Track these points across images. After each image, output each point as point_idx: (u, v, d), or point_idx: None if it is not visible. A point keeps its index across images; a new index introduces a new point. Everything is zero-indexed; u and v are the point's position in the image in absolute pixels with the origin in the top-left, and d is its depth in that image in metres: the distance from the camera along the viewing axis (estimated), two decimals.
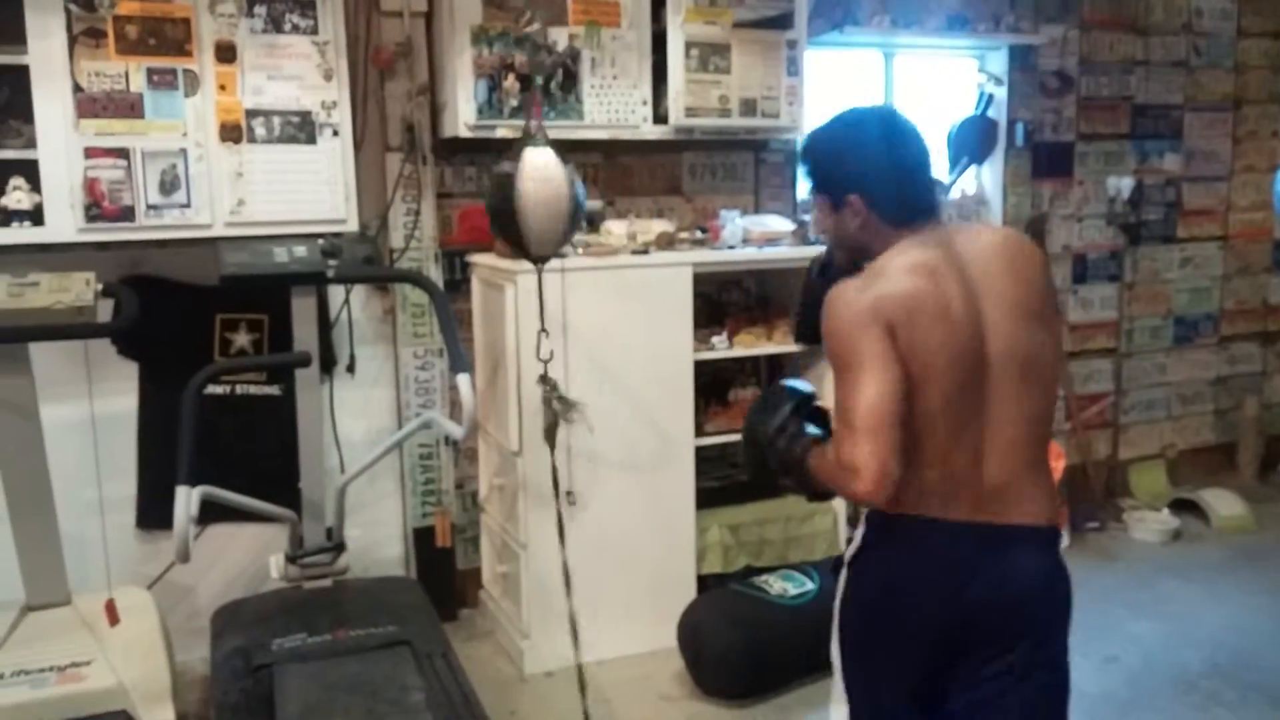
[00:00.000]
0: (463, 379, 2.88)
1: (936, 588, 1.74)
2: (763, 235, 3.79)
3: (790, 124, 3.86)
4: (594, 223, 3.64)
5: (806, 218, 3.91)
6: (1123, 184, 4.83)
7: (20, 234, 2.96)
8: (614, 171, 3.94)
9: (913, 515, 1.73)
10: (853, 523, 2.67)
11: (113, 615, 2.71)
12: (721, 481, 3.88)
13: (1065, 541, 4.46)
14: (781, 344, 3.72)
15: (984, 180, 4.75)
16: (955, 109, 4.65)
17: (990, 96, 4.65)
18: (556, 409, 2.95)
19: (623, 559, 3.44)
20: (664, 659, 3.36)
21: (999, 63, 4.61)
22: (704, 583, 3.57)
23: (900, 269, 1.71)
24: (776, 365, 4.00)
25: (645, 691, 3.26)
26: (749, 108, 3.77)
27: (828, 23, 4.12)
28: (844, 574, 1.88)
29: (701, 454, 3.63)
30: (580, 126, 3.57)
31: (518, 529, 3.37)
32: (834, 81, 4.38)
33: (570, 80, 3.55)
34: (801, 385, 1.99)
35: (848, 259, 1.88)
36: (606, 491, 3.39)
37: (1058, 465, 4.44)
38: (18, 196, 2.94)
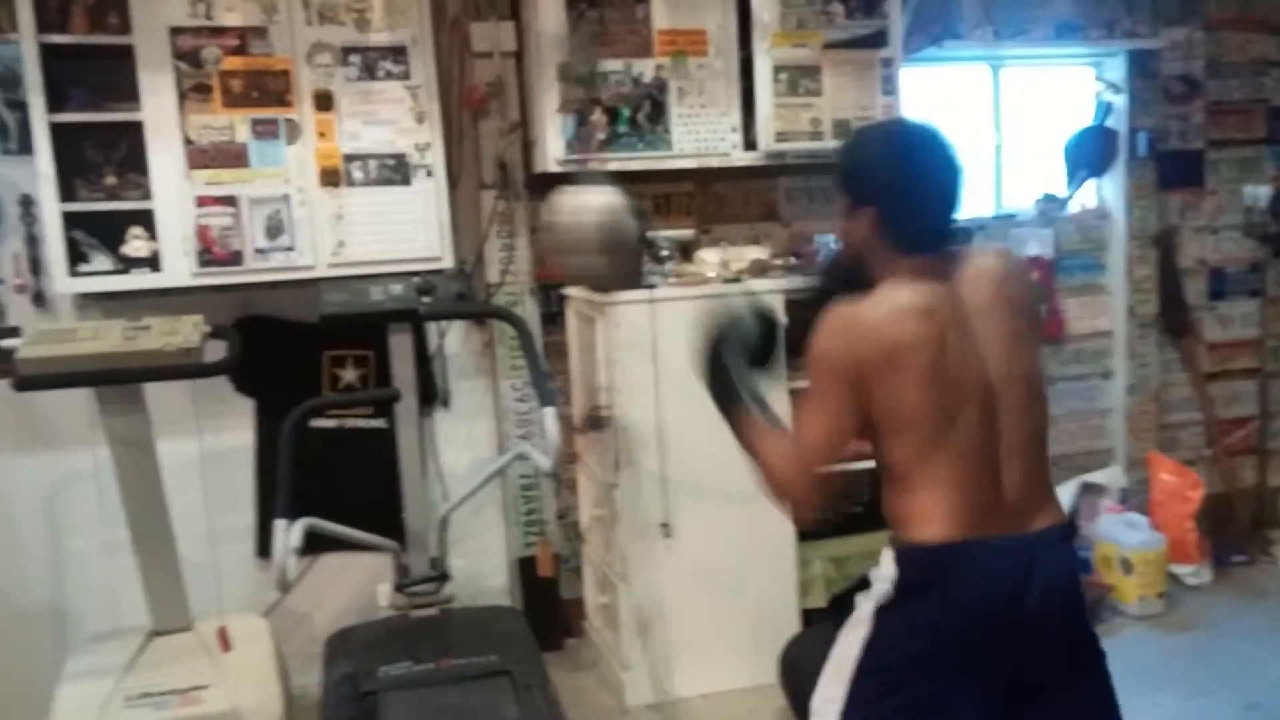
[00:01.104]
0: (547, 412, 3.10)
1: (992, 610, 1.81)
2: None
3: None
4: (686, 251, 3.83)
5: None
6: (1260, 192, 4.75)
7: (140, 280, 3.32)
8: (707, 200, 4.14)
9: (947, 542, 1.81)
10: None
11: (225, 642, 3.00)
12: (825, 514, 3.97)
13: (1208, 577, 4.40)
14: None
15: (1105, 194, 4.76)
16: (1071, 120, 4.67)
17: (1109, 105, 4.66)
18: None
19: (722, 591, 3.57)
20: (767, 694, 3.45)
21: (1117, 70, 4.62)
22: (809, 617, 3.68)
23: (894, 314, 1.81)
24: None
25: None
26: (842, 129, 3.88)
27: (926, 38, 4.23)
28: (867, 624, 1.87)
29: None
30: (669, 157, 3.77)
31: (616, 561, 3.56)
32: (937, 98, 4.50)
33: (658, 111, 3.77)
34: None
35: (851, 261, 1.99)
36: (703, 522, 3.54)
37: (1194, 495, 4.39)
38: (137, 245, 3.31)
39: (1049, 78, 4.73)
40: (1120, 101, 4.64)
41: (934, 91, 4.49)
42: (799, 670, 3.37)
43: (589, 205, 2.94)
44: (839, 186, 1.97)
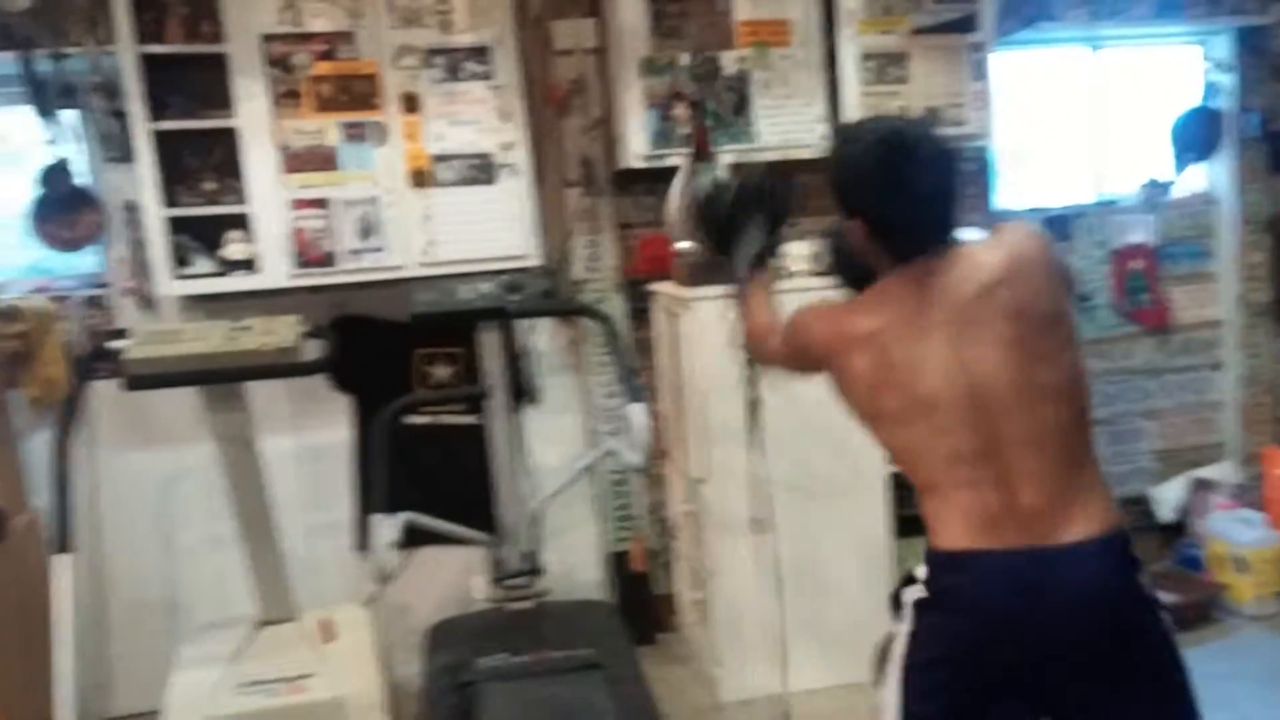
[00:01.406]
0: (634, 409, 3.17)
1: (999, 624, 1.77)
2: None
3: (979, 130, 3.95)
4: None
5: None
6: None
7: (240, 282, 3.48)
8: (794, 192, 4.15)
9: (955, 550, 1.81)
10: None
11: (327, 632, 3.14)
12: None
13: None
14: None
15: (1213, 178, 4.66)
16: (1176, 102, 4.57)
17: (1216, 85, 4.55)
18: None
19: (815, 588, 3.60)
20: (861, 693, 3.47)
21: (1224, 48, 4.51)
22: None
23: (852, 333, 1.91)
24: None
25: None
26: (932, 117, 3.90)
27: (1019, 21, 4.17)
28: (910, 622, 1.90)
29: (901, 480, 3.72)
30: (752, 149, 3.81)
31: (706, 556, 3.61)
32: (1031, 83, 4.46)
33: (741, 103, 3.81)
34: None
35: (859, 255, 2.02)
36: (795, 518, 3.55)
37: None
38: (235, 248, 3.47)
39: (1151, 58, 4.63)
40: (1228, 81, 4.53)
41: (1028, 76, 4.44)
42: None
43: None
44: (831, 191, 1.98)
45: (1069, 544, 1.76)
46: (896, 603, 1.98)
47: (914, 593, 1.90)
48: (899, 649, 1.91)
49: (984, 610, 1.78)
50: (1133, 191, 4.56)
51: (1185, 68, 4.64)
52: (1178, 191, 4.60)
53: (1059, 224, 4.44)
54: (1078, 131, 4.57)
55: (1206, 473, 4.46)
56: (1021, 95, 4.42)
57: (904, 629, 1.91)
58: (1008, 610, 1.76)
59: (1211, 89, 4.56)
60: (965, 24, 3.88)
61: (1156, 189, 4.57)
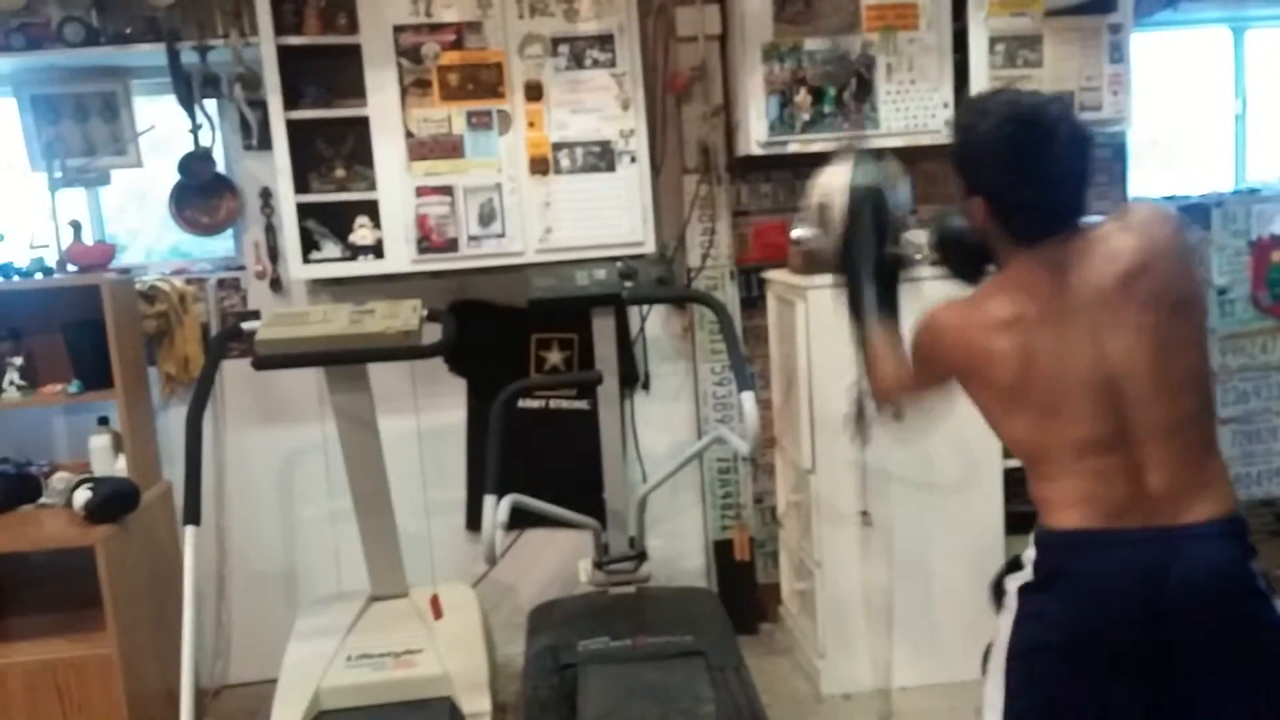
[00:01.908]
0: (746, 397, 3.06)
1: (1119, 605, 1.70)
2: None
3: (1115, 115, 3.70)
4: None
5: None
6: None
7: (366, 266, 3.51)
8: (917, 179, 3.95)
9: (1073, 529, 1.73)
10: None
11: (437, 609, 3.15)
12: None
13: None
14: None
15: None
16: None
17: None
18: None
19: (924, 583, 3.46)
20: (971, 690, 3.29)
21: None
22: None
23: (981, 325, 1.77)
24: None
25: None
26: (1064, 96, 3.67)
27: (1159, 1, 3.90)
28: (1014, 608, 1.82)
29: (1015, 476, 3.55)
30: (876, 136, 3.64)
31: (812, 547, 3.50)
32: (1171, 65, 4.15)
33: (864, 88, 3.64)
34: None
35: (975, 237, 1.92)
36: (904, 512, 3.43)
37: None
38: (363, 234, 3.50)
39: None
40: None
41: (1168, 58, 4.13)
42: None
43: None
44: (953, 165, 1.85)
45: (1190, 524, 1.70)
46: (998, 591, 1.91)
47: (1020, 578, 1.82)
48: (1002, 638, 1.83)
49: (1103, 589, 1.70)
50: (1276, 179, 4.21)
51: None
52: None
53: (1197, 213, 4.13)
54: (1219, 116, 4.23)
55: None
56: (1161, 79, 4.12)
57: (1008, 617, 1.83)
58: (1128, 589, 1.68)
59: None
60: (1103, 4, 3.63)
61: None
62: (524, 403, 3.77)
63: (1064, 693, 1.74)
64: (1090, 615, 1.71)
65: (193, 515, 2.87)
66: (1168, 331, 1.72)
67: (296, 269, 3.50)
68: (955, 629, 3.45)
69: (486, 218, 3.56)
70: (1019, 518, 3.58)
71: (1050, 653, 1.75)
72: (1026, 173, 1.73)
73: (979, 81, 3.60)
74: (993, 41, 3.60)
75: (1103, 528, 1.70)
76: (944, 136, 3.66)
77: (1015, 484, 3.58)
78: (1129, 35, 3.67)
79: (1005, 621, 1.84)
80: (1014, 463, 3.48)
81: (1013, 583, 1.83)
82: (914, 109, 3.67)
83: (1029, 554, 1.82)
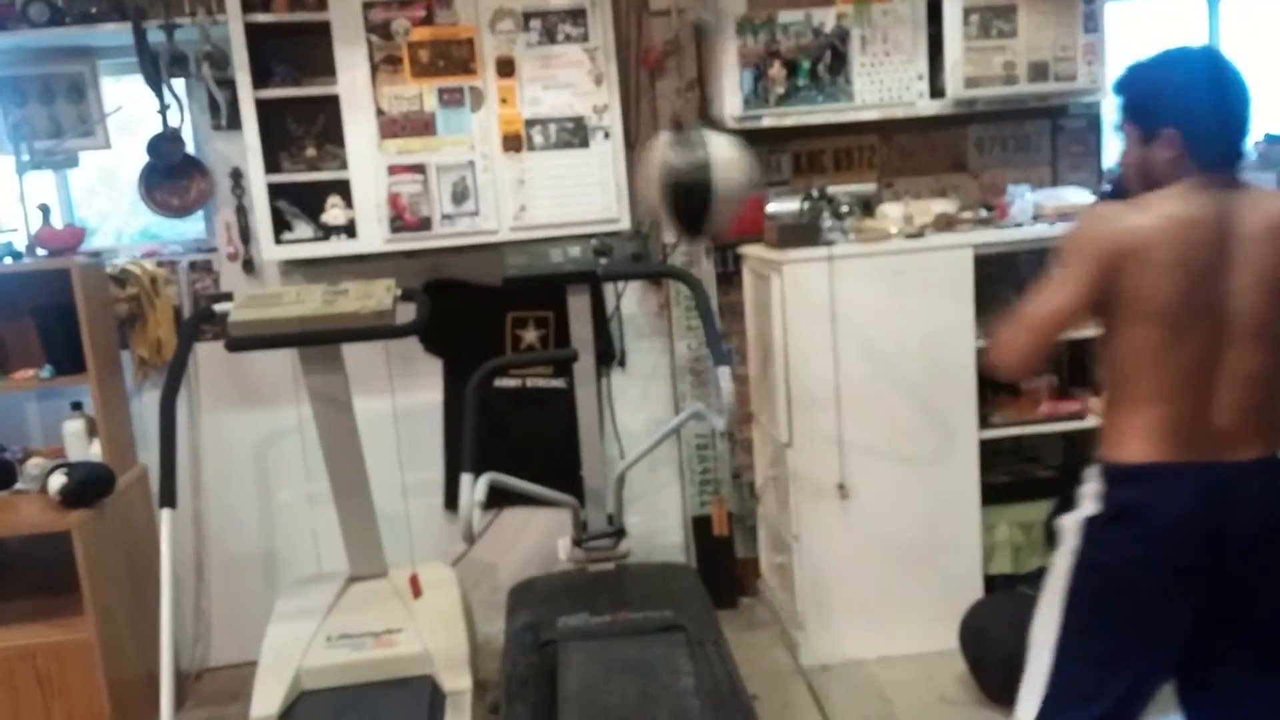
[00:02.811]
0: (722, 372, 2.96)
1: (1182, 535, 1.81)
2: (1056, 210, 3.54)
3: (1090, 85, 3.61)
4: (868, 207, 3.62)
5: (1109, 187, 3.64)
6: None
7: (338, 246, 3.39)
8: (891, 152, 3.87)
9: (1140, 463, 1.85)
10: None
11: (416, 589, 3.05)
12: (1013, 477, 3.71)
13: None
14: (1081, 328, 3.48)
15: None
16: None
17: None
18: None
19: (901, 555, 3.38)
20: (948, 660, 3.27)
21: None
22: (993, 583, 3.44)
23: (1158, 216, 1.83)
24: (1076, 350, 3.76)
25: (925, 693, 3.19)
26: (1039, 72, 3.56)
27: None
28: (1074, 535, 1.90)
29: (990, 447, 3.49)
30: (850, 109, 3.55)
31: (790, 521, 3.42)
32: (1146, 34, 4.03)
33: (839, 61, 3.53)
34: None
35: (1142, 191, 1.94)
36: (881, 485, 3.35)
37: None
38: (335, 213, 3.38)
39: (1275, 7, 4.14)
40: None
41: (1143, 27, 4.02)
42: (981, 637, 3.18)
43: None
44: (1128, 118, 1.96)
45: (1250, 460, 1.83)
46: (1050, 532, 1.99)
47: (1081, 514, 1.90)
48: (1061, 573, 1.91)
49: (1172, 518, 1.81)
50: (1250, 148, 4.10)
51: None
52: None
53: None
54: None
55: None
56: (1136, 49, 3.99)
57: (1067, 552, 1.91)
58: (1194, 517, 1.80)
59: None
60: None
61: (1276, 145, 4.09)
62: (501, 381, 3.66)
63: (1126, 618, 1.84)
64: (1160, 542, 1.82)
65: (168, 498, 2.75)
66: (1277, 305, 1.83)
67: (268, 250, 3.38)
68: (931, 600, 3.39)
69: (460, 196, 3.43)
70: (994, 489, 3.52)
71: (1119, 579, 1.85)
72: (1217, 103, 1.86)
73: (954, 52, 3.50)
74: (967, 12, 3.50)
75: (1171, 460, 1.82)
76: (919, 109, 3.57)
77: (990, 455, 3.52)
78: (1103, 5, 3.58)
79: (1065, 557, 1.91)
80: (990, 434, 3.46)
81: (1071, 520, 1.91)
82: (889, 81, 3.57)
83: (1091, 488, 1.90)
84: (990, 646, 3.12)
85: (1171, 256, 1.80)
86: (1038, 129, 3.93)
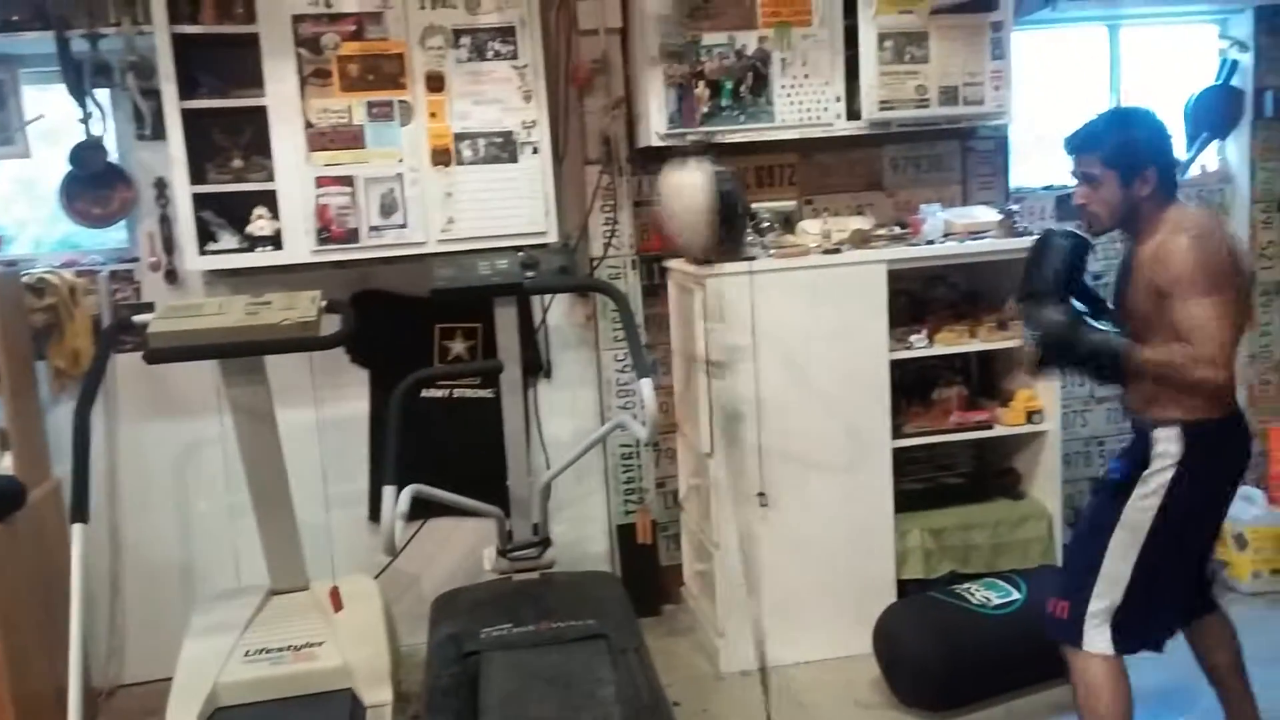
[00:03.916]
0: (644, 384, 2.87)
1: (1245, 448, 2.37)
2: (966, 228, 3.52)
3: (997, 110, 3.58)
4: (788, 223, 3.56)
5: (1015, 207, 3.62)
6: None
7: (264, 257, 3.22)
8: (810, 170, 3.81)
9: (1220, 418, 2.28)
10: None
11: (337, 602, 2.90)
12: (925, 484, 3.66)
13: None
14: (989, 340, 3.45)
15: (1229, 156, 4.21)
16: (1193, 80, 4.13)
17: (1234, 64, 4.11)
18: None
19: (818, 561, 3.31)
20: (863, 664, 3.20)
21: (1243, 26, 4.07)
22: (905, 588, 3.38)
23: (1217, 227, 2.27)
24: (986, 362, 3.73)
25: (841, 697, 3.12)
26: (949, 96, 3.52)
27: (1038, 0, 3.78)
28: (1162, 482, 2.27)
29: (904, 455, 3.44)
30: (771, 128, 3.48)
31: (712, 529, 3.32)
32: (1051, 61, 4.03)
33: (760, 82, 3.46)
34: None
35: (1112, 226, 2.36)
36: (800, 493, 3.28)
37: None
38: (261, 224, 3.20)
39: (1170, 36, 4.18)
40: (1246, 60, 4.09)
41: (1047, 55, 4.01)
42: (893, 641, 3.11)
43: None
44: (1113, 163, 2.28)
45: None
46: (1120, 489, 2.34)
47: (1165, 468, 2.28)
48: (1142, 510, 2.30)
49: (1241, 452, 2.36)
50: None
51: (1203, 46, 4.19)
52: (1194, 170, 4.16)
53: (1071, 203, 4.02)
54: (1096, 110, 4.11)
55: None
56: (1040, 75, 4.00)
57: (1149, 503, 2.29)
58: (1247, 441, 2.35)
59: (1229, 68, 4.11)
60: (985, 3, 3.50)
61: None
62: (428, 392, 3.51)
63: (1201, 529, 2.40)
64: (1233, 466, 2.35)
65: (80, 513, 2.58)
66: None
67: (192, 260, 3.20)
68: (847, 605, 3.32)
69: (388, 208, 3.29)
70: (907, 496, 3.47)
71: (1206, 507, 2.36)
72: (1171, 143, 2.35)
73: (869, 76, 3.45)
74: (881, 38, 3.45)
75: (1233, 414, 2.32)
76: (836, 129, 3.51)
77: (904, 464, 3.46)
78: (1010, 33, 3.55)
79: (1146, 505, 2.29)
80: (903, 443, 3.40)
81: (1154, 473, 2.29)
82: (808, 103, 3.51)
83: (1167, 449, 2.27)
84: (900, 650, 3.06)
85: (1238, 261, 2.22)
86: (949, 150, 3.91)
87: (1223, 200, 4.20)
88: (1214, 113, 4.10)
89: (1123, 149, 2.28)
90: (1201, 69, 4.16)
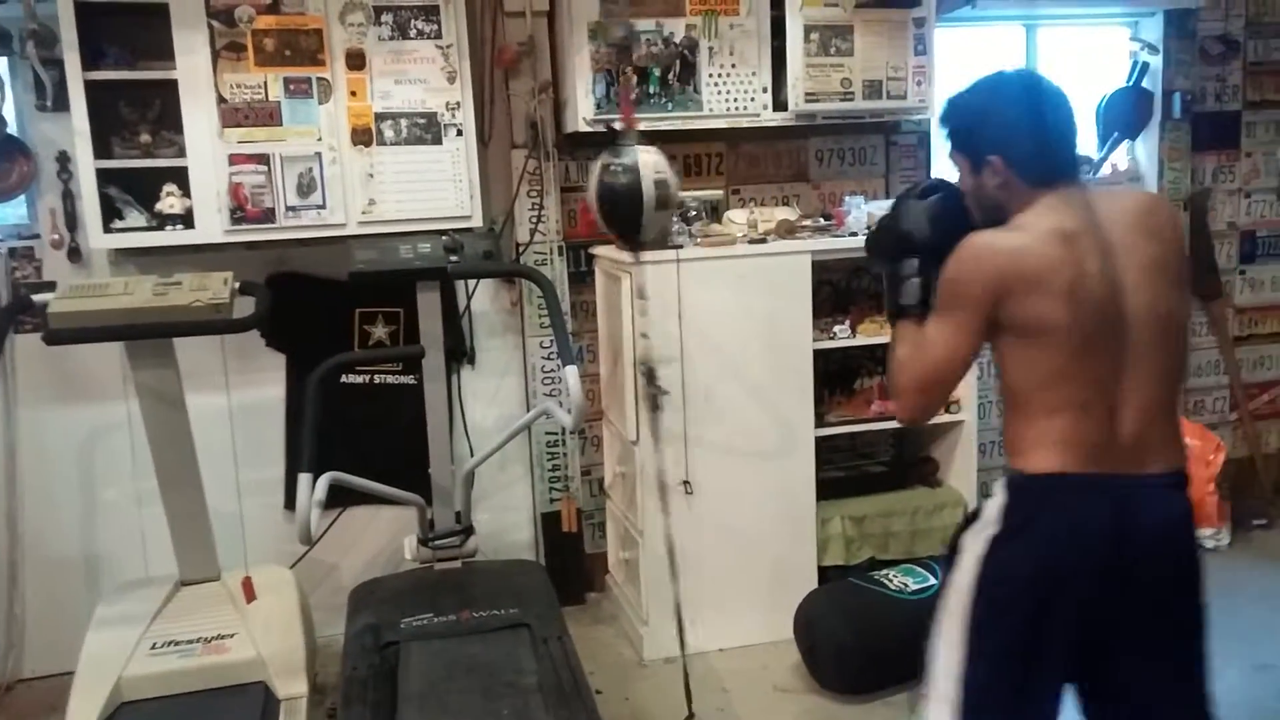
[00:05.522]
0: (569, 371, 2.82)
1: (1090, 548, 1.67)
2: None
3: (919, 104, 3.60)
4: (715, 212, 3.54)
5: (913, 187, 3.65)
6: None
7: (174, 236, 3.07)
8: (737, 160, 3.79)
9: (1055, 473, 1.68)
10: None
11: (249, 592, 2.78)
12: (847, 472, 3.68)
13: (1227, 540, 4.04)
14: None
15: (1138, 155, 4.32)
16: (1105, 81, 4.22)
17: (1144, 66, 4.20)
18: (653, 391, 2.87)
19: (742, 548, 3.30)
20: (783, 650, 3.21)
21: (1153, 29, 4.16)
22: (826, 574, 3.39)
23: (1039, 234, 1.68)
24: None
25: (761, 682, 3.12)
26: (873, 90, 3.53)
27: None
28: (977, 551, 1.72)
29: (826, 443, 3.45)
30: (699, 117, 3.45)
31: (637, 516, 3.29)
32: (970, 59, 4.07)
33: (688, 71, 3.42)
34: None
35: (985, 219, 1.81)
36: (725, 481, 3.26)
37: (1216, 459, 4.01)
38: (170, 202, 3.06)
39: (1084, 38, 4.27)
40: (1156, 62, 4.18)
41: (967, 52, 4.06)
42: (813, 627, 3.11)
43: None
44: (956, 150, 1.85)
45: (1153, 474, 1.69)
46: (954, 549, 1.80)
47: (985, 529, 1.73)
48: (961, 589, 1.73)
49: (1079, 532, 1.66)
50: None
51: (1115, 48, 4.28)
52: (1105, 169, 4.25)
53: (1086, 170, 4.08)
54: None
55: None
56: (961, 71, 4.04)
57: (968, 569, 1.73)
58: (1100, 532, 1.66)
59: (1140, 70, 4.20)
60: None
61: (1085, 166, 4.22)
62: (348, 378, 3.40)
63: (1031, 632, 1.68)
64: (1065, 557, 1.67)
65: None
66: (1167, 293, 1.70)
67: (96, 238, 3.04)
68: (769, 591, 3.31)
69: (306, 188, 3.17)
70: (829, 484, 3.48)
71: (1020, 596, 1.69)
72: (1034, 124, 1.75)
73: (795, 67, 3.44)
74: (808, 30, 3.44)
75: (1079, 471, 1.67)
76: (763, 120, 3.50)
77: (826, 452, 3.47)
78: (932, 29, 3.58)
79: (966, 574, 1.73)
80: (826, 431, 3.41)
81: (973, 535, 1.75)
82: (735, 92, 3.48)
83: (996, 502, 1.74)
84: (822, 635, 3.07)
85: (1065, 272, 1.64)
86: (873, 143, 3.93)
87: None
88: (1125, 113, 4.20)
89: (966, 130, 1.83)
90: (1114, 70, 4.25)
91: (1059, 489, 1.68)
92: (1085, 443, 1.66)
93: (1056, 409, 1.67)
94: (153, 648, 2.63)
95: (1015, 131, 1.74)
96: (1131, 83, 4.20)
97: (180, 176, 3.06)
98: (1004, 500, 1.72)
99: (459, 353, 3.50)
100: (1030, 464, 1.69)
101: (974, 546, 1.73)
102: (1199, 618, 1.76)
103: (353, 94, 3.19)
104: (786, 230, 3.41)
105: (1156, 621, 1.70)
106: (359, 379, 3.43)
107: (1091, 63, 4.27)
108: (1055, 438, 1.67)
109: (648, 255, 3.10)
